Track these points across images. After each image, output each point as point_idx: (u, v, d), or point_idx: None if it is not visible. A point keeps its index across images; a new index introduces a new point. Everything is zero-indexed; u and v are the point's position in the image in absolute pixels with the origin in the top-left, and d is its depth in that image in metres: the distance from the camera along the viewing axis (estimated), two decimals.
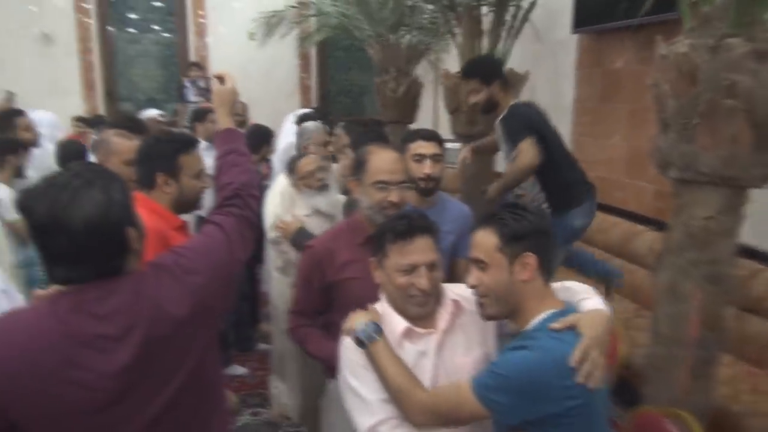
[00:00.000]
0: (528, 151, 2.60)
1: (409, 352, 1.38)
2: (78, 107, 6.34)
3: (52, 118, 4.56)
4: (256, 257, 3.32)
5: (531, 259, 1.26)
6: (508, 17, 3.89)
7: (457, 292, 1.47)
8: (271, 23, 5.62)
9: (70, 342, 1.01)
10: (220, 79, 1.62)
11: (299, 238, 2.51)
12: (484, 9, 3.96)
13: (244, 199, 1.40)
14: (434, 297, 1.42)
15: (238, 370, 3.42)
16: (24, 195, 1.03)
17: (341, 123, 3.57)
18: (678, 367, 1.86)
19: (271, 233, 2.69)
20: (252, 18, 5.68)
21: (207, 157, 2.03)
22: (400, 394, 1.28)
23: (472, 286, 1.32)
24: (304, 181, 2.67)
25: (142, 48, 7.00)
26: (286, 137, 4.03)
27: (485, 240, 1.29)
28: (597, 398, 1.20)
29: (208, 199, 1.95)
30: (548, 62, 4.45)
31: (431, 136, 2.09)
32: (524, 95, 3.82)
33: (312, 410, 2.45)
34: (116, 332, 1.04)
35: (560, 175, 2.73)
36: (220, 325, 1.28)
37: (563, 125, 3.76)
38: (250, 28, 5.69)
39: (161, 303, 1.09)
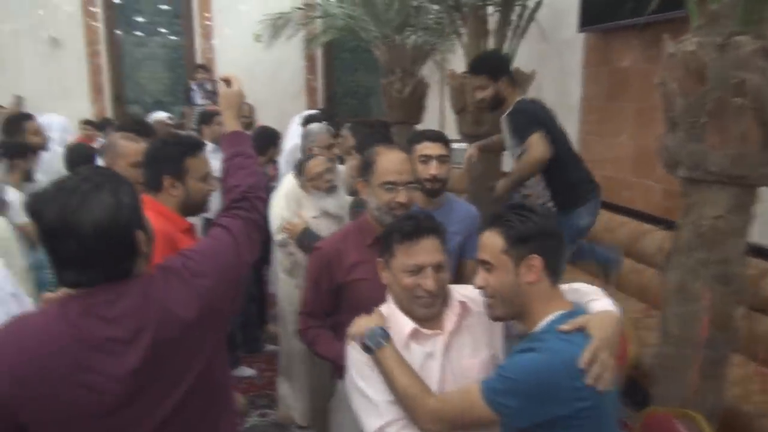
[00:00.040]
0: (538, 145, 2.57)
1: (415, 353, 1.38)
2: (86, 110, 6.38)
3: (63, 122, 4.60)
4: (263, 259, 3.33)
5: (536, 261, 1.25)
6: (513, 17, 3.88)
7: (464, 293, 1.47)
8: (277, 25, 5.64)
9: (79, 345, 1.02)
10: (227, 81, 1.63)
11: (305, 239, 2.52)
12: (490, 9, 3.95)
13: (251, 201, 1.41)
14: (441, 298, 1.42)
15: (246, 371, 3.43)
16: (34, 199, 1.04)
17: (347, 124, 3.58)
18: (688, 368, 1.85)
19: (277, 236, 2.70)
20: (258, 20, 5.70)
21: (214, 159, 2.04)
22: (409, 401, 1.28)
23: (479, 287, 1.32)
24: (313, 182, 2.68)
25: (149, 51, 7.03)
26: (291, 139, 4.04)
27: (491, 242, 1.29)
28: (607, 400, 1.19)
29: (216, 201, 1.95)
30: (554, 61, 4.44)
31: (437, 137, 2.08)
32: (531, 95, 3.78)
33: (320, 411, 2.46)
34: (125, 335, 1.04)
35: (566, 173, 2.72)
36: (227, 328, 1.28)
37: (570, 124, 3.75)
38: (257, 30, 5.71)
39: (169, 306, 1.09)
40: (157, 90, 7.12)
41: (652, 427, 1.69)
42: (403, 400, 1.29)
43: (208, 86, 6.07)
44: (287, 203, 2.71)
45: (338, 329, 1.69)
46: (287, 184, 2.81)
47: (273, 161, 3.84)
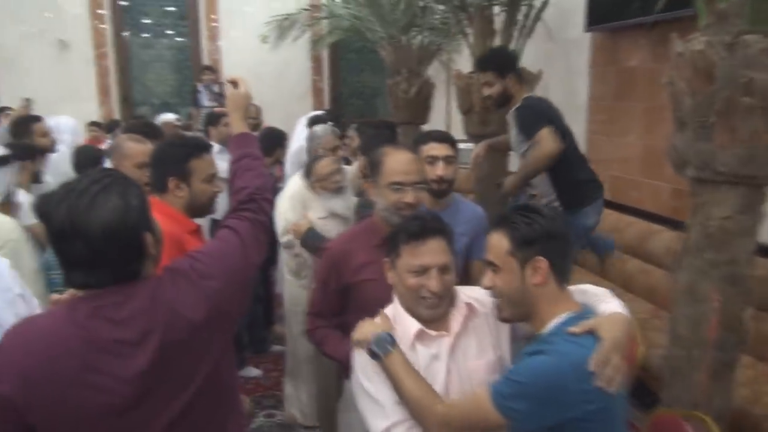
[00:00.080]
0: (548, 139, 2.55)
1: (421, 354, 1.38)
2: (93, 112, 6.42)
3: (73, 124, 4.62)
4: (270, 259, 3.34)
5: (542, 263, 1.25)
6: (520, 16, 3.86)
7: (470, 294, 1.47)
8: (283, 26, 5.66)
9: (88, 347, 1.02)
10: (234, 83, 1.63)
11: (309, 239, 2.52)
12: (496, 9, 3.94)
13: (258, 203, 1.41)
14: (446, 299, 1.42)
15: (253, 371, 3.44)
16: (43, 200, 1.05)
17: (354, 125, 3.58)
18: (697, 369, 1.84)
19: (282, 238, 2.70)
20: (264, 21, 5.72)
21: (220, 160, 2.05)
22: (417, 407, 1.28)
23: (487, 288, 1.32)
24: (321, 183, 2.68)
25: (156, 53, 7.07)
26: (297, 140, 4.04)
27: (497, 243, 1.28)
28: (616, 402, 1.19)
29: (223, 202, 1.96)
30: (561, 61, 4.42)
31: (444, 137, 2.08)
32: (538, 94, 3.79)
33: (326, 412, 2.46)
34: (134, 337, 1.05)
35: (572, 172, 2.71)
36: (235, 329, 1.29)
37: (577, 124, 3.74)
38: (263, 32, 5.73)
39: (177, 308, 1.09)
40: (164, 92, 7.15)
41: (660, 429, 1.68)
42: (410, 405, 1.29)
43: (215, 88, 6.09)
44: (292, 205, 2.71)
45: (346, 329, 1.69)
46: (293, 185, 2.81)
47: (279, 162, 3.85)
